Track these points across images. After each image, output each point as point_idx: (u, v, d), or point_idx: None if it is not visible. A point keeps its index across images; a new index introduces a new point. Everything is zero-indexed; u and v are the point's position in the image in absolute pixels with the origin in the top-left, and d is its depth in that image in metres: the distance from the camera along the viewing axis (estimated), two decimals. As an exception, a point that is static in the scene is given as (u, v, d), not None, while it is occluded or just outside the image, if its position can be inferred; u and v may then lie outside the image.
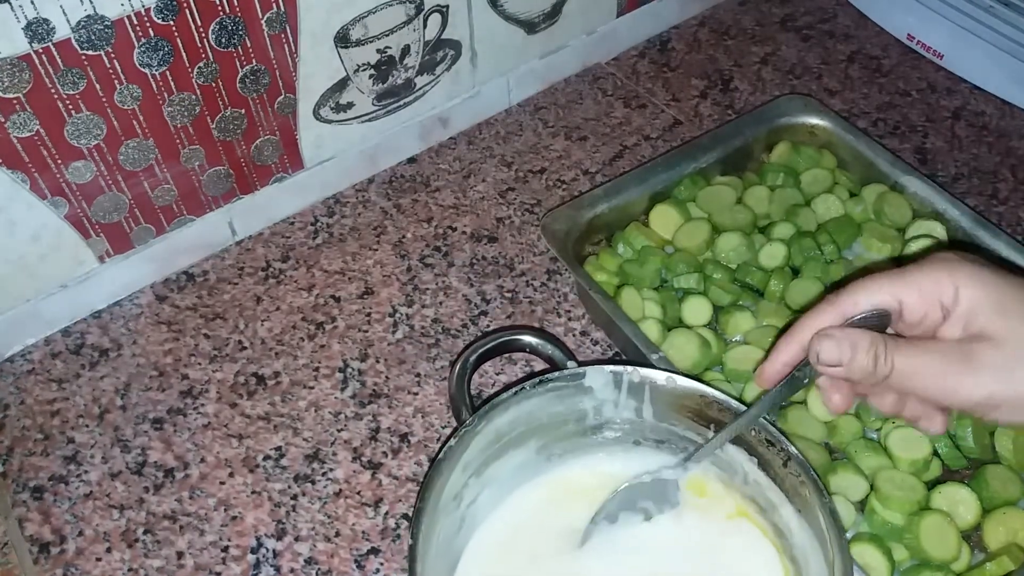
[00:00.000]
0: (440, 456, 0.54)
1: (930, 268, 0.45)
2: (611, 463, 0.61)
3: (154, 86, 0.68)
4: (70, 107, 0.65)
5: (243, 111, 0.74)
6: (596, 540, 0.58)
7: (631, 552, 0.58)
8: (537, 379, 0.57)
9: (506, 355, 0.72)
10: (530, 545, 0.58)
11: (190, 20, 0.67)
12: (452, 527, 0.57)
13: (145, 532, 0.65)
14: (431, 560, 0.53)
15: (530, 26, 0.88)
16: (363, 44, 0.77)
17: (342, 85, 0.78)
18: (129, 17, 0.64)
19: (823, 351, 0.45)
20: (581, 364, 0.59)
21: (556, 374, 0.58)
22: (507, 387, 0.70)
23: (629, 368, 0.57)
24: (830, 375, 0.46)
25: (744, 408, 0.55)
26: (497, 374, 0.72)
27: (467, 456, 0.56)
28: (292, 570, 0.63)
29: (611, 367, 0.57)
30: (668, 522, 0.58)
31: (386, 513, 0.65)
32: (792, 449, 0.54)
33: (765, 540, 0.57)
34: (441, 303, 0.77)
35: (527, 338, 0.62)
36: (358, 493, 0.66)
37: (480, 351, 0.62)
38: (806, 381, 0.49)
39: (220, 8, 0.67)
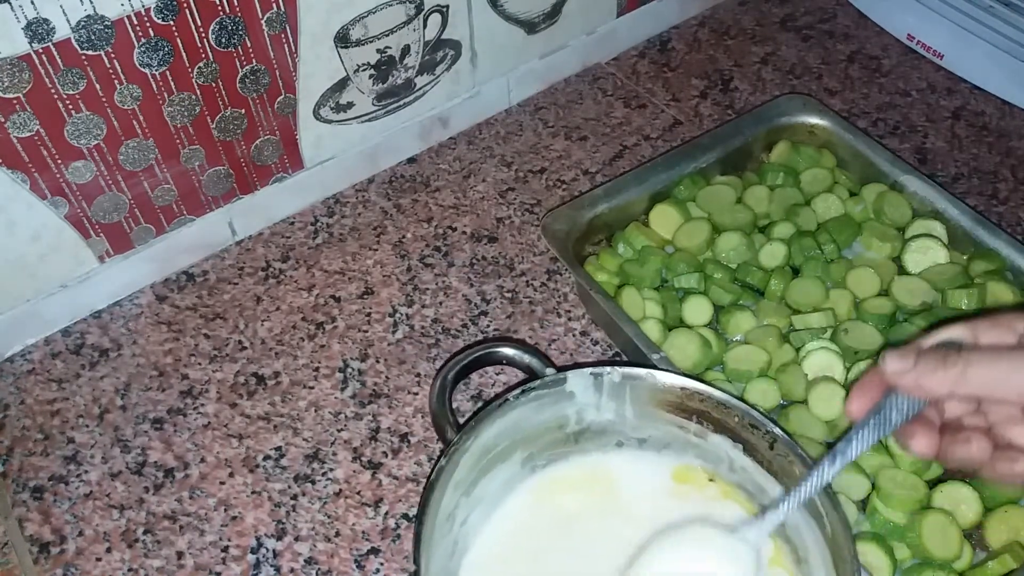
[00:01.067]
0: (432, 477, 0.54)
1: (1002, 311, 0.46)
2: (595, 462, 0.62)
3: (154, 86, 0.68)
4: (70, 107, 0.65)
5: (243, 111, 0.74)
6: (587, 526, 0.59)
7: (619, 535, 0.58)
8: (520, 389, 0.57)
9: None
10: (528, 547, 0.58)
11: (190, 20, 0.67)
12: (447, 549, 0.57)
13: (145, 532, 0.65)
14: None
15: (530, 26, 0.88)
16: (363, 44, 0.77)
17: (342, 85, 0.78)
18: (129, 17, 0.64)
19: (889, 359, 0.45)
20: (560, 369, 0.59)
21: (538, 381, 0.58)
22: (507, 388, 0.70)
23: (608, 368, 0.58)
24: (905, 385, 0.45)
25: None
26: (497, 374, 0.72)
27: (458, 475, 0.56)
28: (292, 570, 0.63)
29: (591, 369, 0.58)
30: (649, 501, 0.59)
31: (386, 513, 0.65)
32: (777, 431, 0.54)
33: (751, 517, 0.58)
34: (441, 303, 0.77)
35: (504, 350, 0.63)
36: (358, 493, 0.66)
37: (457, 368, 0.62)
38: (894, 419, 0.47)
39: (220, 8, 0.67)
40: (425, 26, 0.80)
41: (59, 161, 0.67)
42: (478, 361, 0.63)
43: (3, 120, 0.63)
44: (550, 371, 0.60)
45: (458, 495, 0.57)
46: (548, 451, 0.61)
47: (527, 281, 0.78)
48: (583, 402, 0.59)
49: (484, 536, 0.58)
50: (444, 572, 0.56)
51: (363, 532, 0.64)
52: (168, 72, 0.68)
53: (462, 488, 0.57)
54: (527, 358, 0.61)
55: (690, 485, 0.60)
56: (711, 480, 0.60)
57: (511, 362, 0.62)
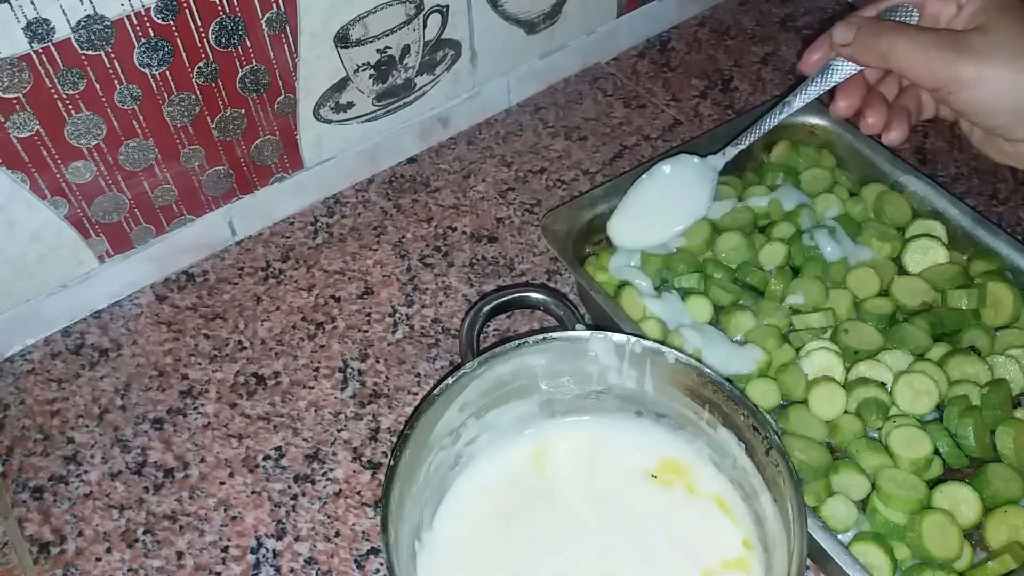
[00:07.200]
0: (435, 392, 0.58)
1: None
2: (604, 424, 0.64)
3: (154, 86, 0.68)
4: (70, 107, 0.65)
5: (243, 111, 0.74)
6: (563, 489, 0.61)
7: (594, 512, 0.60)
8: (541, 336, 0.59)
9: (528, 315, 0.75)
10: (514, 487, 0.62)
11: (190, 20, 0.67)
12: (447, 460, 0.61)
13: (145, 532, 0.65)
14: (417, 487, 0.57)
15: (530, 26, 0.88)
16: (363, 44, 0.77)
17: (342, 85, 0.78)
18: (129, 17, 0.64)
19: (836, 31, 0.53)
20: (589, 328, 0.62)
21: (559, 333, 0.60)
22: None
23: (632, 338, 0.59)
24: (844, 55, 0.54)
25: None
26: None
27: (464, 397, 0.59)
28: (292, 570, 0.63)
29: (615, 335, 0.60)
30: (619, 478, 0.61)
31: (386, 513, 0.65)
32: (775, 438, 0.55)
33: (725, 519, 0.59)
34: (441, 303, 0.77)
35: (539, 295, 0.66)
36: (358, 493, 0.66)
37: (494, 303, 0.65)
38: (834, 78, 0.58)
39: (220, 8, 0.67)
40: (425, 26, 0.80)
41: (59, 161, 0.67)
42: (514, 302, 0.66)
43: (3, 120, 0.63)
44: (579, 327, 0.62)
45: (465, 415, 0.60)
46: (568, 400, 0.63)
47: (527, 281, 0.78)
48: (605, 364, 0.61)
49: (485, 461, 0.62)
50: (441, 479, 0.60)
51: (363, 532, 0.64)
52: (168, 72, 0.68)
53: (470, 410, 0.60)
54: (560, 309, 0.64)
55: (671, 474, 0.61)
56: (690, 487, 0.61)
57: (546, 309, 0.66)
